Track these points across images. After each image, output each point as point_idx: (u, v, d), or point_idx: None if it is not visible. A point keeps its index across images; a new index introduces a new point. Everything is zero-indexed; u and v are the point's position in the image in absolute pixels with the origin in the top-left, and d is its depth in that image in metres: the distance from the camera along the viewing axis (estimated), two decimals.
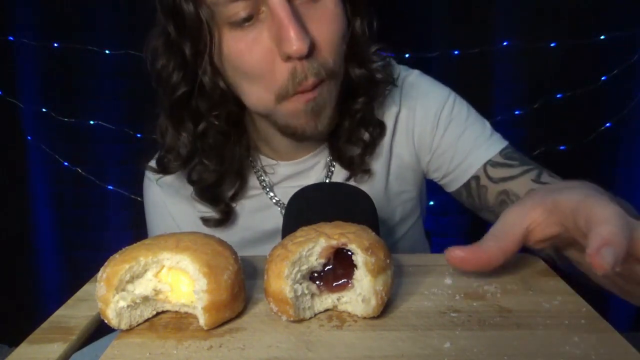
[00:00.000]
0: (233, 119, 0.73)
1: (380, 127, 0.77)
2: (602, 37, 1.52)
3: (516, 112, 1.61)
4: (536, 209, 0.44)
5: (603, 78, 1.56)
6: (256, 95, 0.66)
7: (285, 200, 0.77)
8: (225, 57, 0.64)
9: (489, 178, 0.74)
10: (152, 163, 0.77)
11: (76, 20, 1.64)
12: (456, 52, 1.57)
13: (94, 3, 1.62)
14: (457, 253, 0.44)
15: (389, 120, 0.78)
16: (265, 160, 0.79)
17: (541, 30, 1.53)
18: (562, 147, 1.62)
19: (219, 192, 0.77)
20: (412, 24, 1.57)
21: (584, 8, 1.51)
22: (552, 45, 1.54)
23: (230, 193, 0.78)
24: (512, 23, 1.55)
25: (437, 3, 1.56)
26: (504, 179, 0.72)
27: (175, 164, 0.74)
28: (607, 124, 1.60)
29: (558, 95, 1.58)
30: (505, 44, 1.56)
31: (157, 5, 0.66)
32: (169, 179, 0.79)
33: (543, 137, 1.61)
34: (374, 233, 0.42)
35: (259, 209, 0.80)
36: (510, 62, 1.57)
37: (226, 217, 0.78)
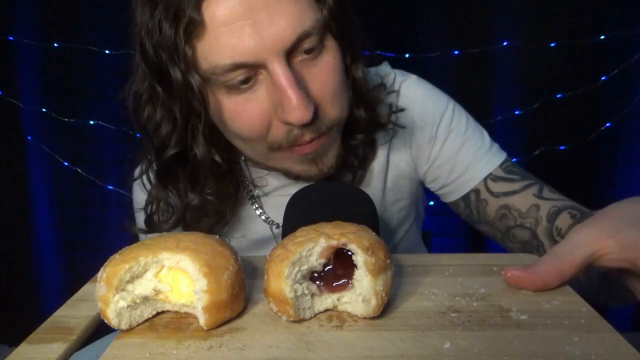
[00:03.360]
0: (226, 183, 0.70)
1: (371, 145, 0.75)
2: (602, 37, 1.52)
3: (516, 112, 1.61)
4: (610, 238, 0.42)
5: (603, 78, 1.56)
6: (249, 149, 0.65)
7: (274, 213, 0.77)
8: (222, 119, 0.61)
9: (490, 192, 0.72)
10: (139, 216, 0.74)
11: (76, 20, 1.65)
12: (456, 52, 1.58)
13: (94, 3, 1.62)
14: (513, 273, 0.45)
15: (384, 132, 0.76)
16: (255, 172, 0.77)
17: (541, 30, 1.53)
18: (562, 147, 1.62)
19: (214, 231, 0.75)
20: (412, 24, 1.58)
21: (584, 8, 1.51)
22: (552, 45, 1.54)
23: (219, 227, 0.76)
24: (512, 23, 1.55)
25: (437, 3, 1.56)
26: (506, 194, 0.71)
27: (166, 226, 0.70)
28: (607, 124, 1.60)
29: (558, 95, 1.58)
30: (505, 44, 1.56)
31: (139, 57, 0.60)
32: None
33: (543, 137, 1.61)
34: (374, 233, 0.42)
35: (247, 221, 0.79)
36: (510, 62, 1.57)
37: None
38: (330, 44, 0.61)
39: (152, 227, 0.71)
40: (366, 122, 0.69)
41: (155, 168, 0.68)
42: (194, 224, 0.72)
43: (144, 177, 0.72)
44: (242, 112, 0.59)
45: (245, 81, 0.57)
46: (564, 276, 0.44)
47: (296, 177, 0.67)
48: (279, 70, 0.55)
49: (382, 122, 0.70)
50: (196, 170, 0.67)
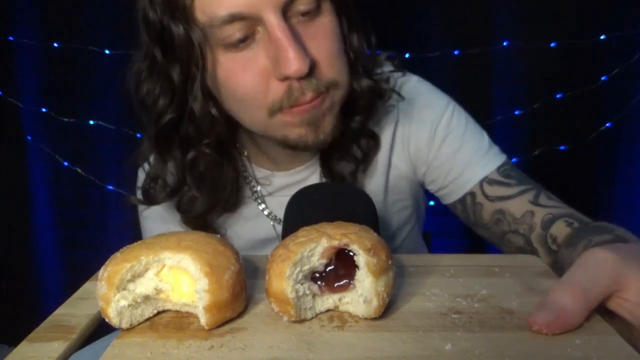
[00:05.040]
0: (225, 144, 0.70)
1: (374, 139, 0.75)
2: (602, 37, 1.51)
3: (516, 112, 1.60)
4: (635, 283, 0.38)
5: (603, 78, 1.55)
6: (249, 114, 0.65)
7: (278, 211, 0.77)
8: (218, 79, 0.62)
9: (485, 196, 0.72)
10: (138, 193, 0.75)
11: (76, 20, 1.64)
12: (456, 52, 1.57)
13: (94, 3, 1.62)
14: (540, 320, 0.38)
15: (387, 130, 0.76)
16: (259, 171, 0.78)
17: (541, 30, 1.53)
18: (562, 147, 1.62)
19: (209, 219, 0.76)
20: (412, 24, 1.57)
21: (584, 8, 1.51)
22: (552, 45, 1.54)
23: (218, 218, 0.77)
24: (512, 23, 1.54)
25: (437, 3, 1.56)
26: (500, 198, 0.71)
27: (162, 194, 0.71)
28: (607, 124, 1.60)
29: (558, 95, 1.58)
30: (505, 44, 1.56)
31: (142, 28, 0.63)
32: (154, 211, 0.77)
33: (543, 137, 1.61)
34: (375, 234, 0.42)
35: (250, 219, 0.79)
36: (510, 62, 1.57)
37: None
38: (326, 6, 0.62)
39: (149, 198, 0.72)
40: (367, 90, 0.69)
41: (153, 136, 0.68)
42: (187, 206, 0.73)
43: (145, 164, 0.74)
44: (240, 71, 0.60)
45: (243, 40, 0.58)
46: (591, 310, 0.39)
47: (293, 146, 0.66)
48: (275, 22, 0.56)
49: (382, 89, 0.70)
50: (195, 126, 0.67)
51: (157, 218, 0.80)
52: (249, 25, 0.58)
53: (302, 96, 0.60)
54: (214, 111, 0.66)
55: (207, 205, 0.73)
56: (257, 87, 0.60)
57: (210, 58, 0.61)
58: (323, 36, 0.61)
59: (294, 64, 0.56)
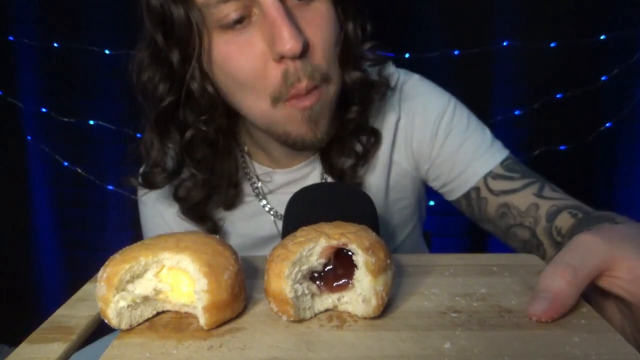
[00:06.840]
0: (222, 128, 0.71)
1: (375, 135, 0.75)
2: (602, 37, 1.52)
3: (516, 112, 1.61)
4: (625, 260, 0.39)
5: (603, 78, 1.56)
6: (250, 101, 0.65)
7: (279, 208, 0.77)
8: (216, 62, 0.63)
9: (490, 190, 0.73)
10: (139, 178, 0.76)
11: (76, 20, 1.64)
12: (456, 52, 1.58)
13: (94, 3, 1.62)
14: (537, 310, 0.39)
15: (388, 128, 0.77)
16: (260, 168, 0.78)
17: (541, 30, 1.53)
18: (562, 147, 1.62)
19: (206, 210, 0.76)
20: (412, 24, 1.58)
21: (584, 8, 1.51)
22: (552, 45, 1.54)
23: (216, 211, 0.77)
24: (512, 23, 1.55)
25: (437, 3, 1.56)
26: (505, 192, 0.71)
27: (162, 176, 0.72)
28: (607, 124, 1.60)
29: (558, 95, 1.58)
30: (505, 44, 1.56)
31: (145, 14, 0.64)
32: (153, 195, 0.78)
33: (543, 137, 1.61)
34: (374, 233, 0.42)
35: (252, 216, 0.79)
36: (510, 62, 1.57)
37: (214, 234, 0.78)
38: None
39: (148, 182, 0.73)
40: (359, 83, 0.69)
41: (154, 121, 0.69)
42: (185, 194, 0.73)
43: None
44: (237, 53, 0.61)
45: (239, 20, 0.59)
46: (582, 288, 0.39)
47: (292, 144, 0.67)
48: (270, 1, 0.57)
49: (372, 82, 0.71)
50: (193, 107, 0.68)
51: (154, 205, 0.80)
52: (245, 5, 0.58)
53: (297, 82, 0.60)
54: (210, 89, 0.66)
55: (204, 194, 0.73)
56: (255, 70, 0.61)
57: (207, 40, 0.62)
58: (318, 23, 0.62)
59: (289, 42, 0.57)
